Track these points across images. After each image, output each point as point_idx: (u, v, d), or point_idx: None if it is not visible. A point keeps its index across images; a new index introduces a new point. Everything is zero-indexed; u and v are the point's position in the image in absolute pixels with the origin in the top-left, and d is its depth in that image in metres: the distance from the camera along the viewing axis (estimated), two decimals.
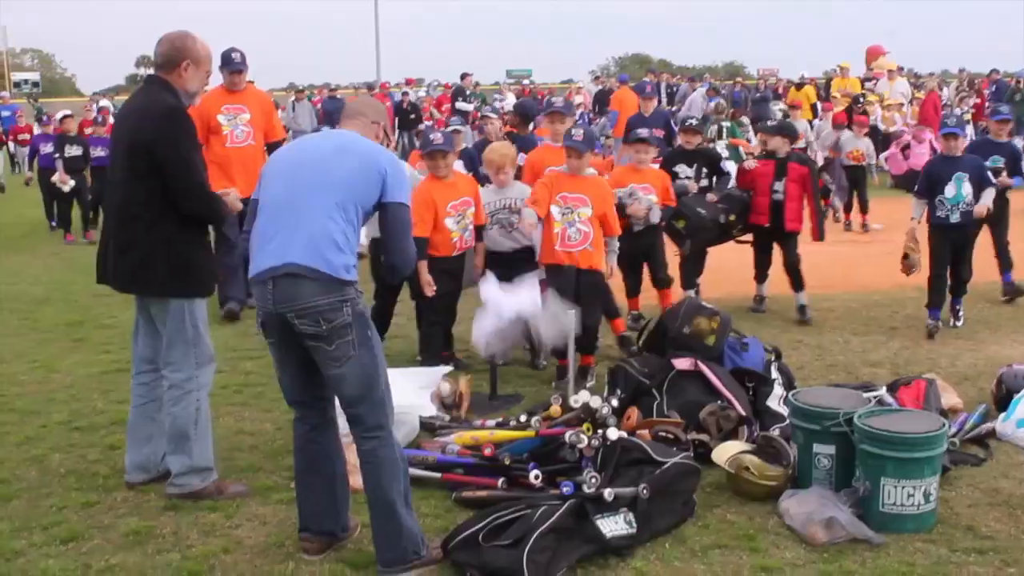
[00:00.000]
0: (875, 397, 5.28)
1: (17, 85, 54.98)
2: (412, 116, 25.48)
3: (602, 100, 25.82)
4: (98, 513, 4.97)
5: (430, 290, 6.93)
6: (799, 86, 22.74)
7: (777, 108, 23.11)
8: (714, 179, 9.10)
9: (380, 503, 4.23)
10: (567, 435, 4.92)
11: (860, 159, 13.99)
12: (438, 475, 5.19)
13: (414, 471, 5.21)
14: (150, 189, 4.84)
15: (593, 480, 4.49)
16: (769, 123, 9.14)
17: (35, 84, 56.78)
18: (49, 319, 9.48)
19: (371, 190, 4.21)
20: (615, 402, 5.35)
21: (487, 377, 6.85)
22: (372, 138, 4.46)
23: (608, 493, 4.44)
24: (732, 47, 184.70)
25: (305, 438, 4.42)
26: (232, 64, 9.15)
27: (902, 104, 20.61)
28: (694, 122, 9.65)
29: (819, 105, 22.18)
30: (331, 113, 22.52)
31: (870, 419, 4.81)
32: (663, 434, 5.38)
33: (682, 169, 8.88)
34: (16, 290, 11.13)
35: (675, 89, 27.73)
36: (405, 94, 28.26)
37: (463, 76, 25.91)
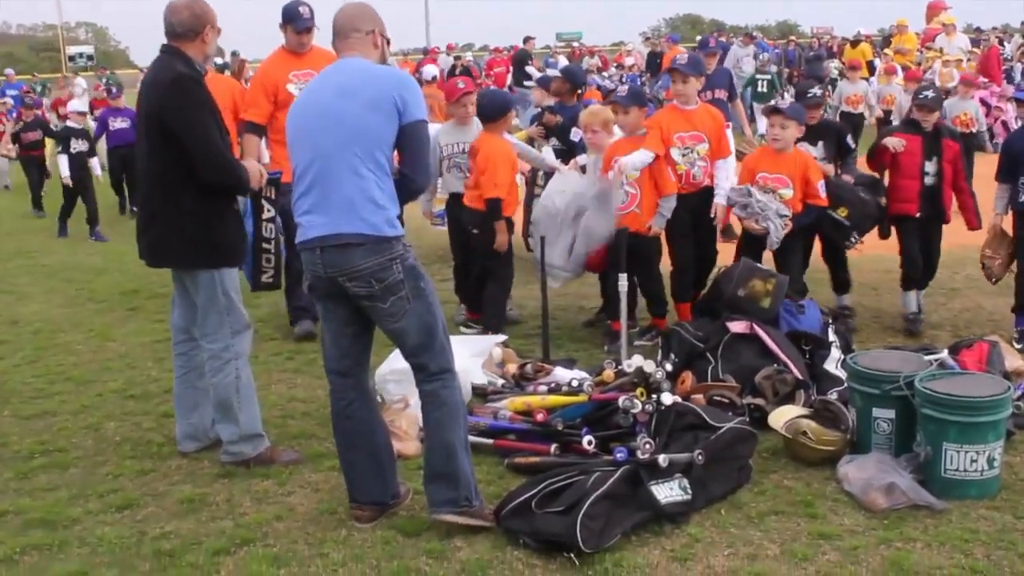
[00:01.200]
0: (936, 360, 5.13)
1: (72, 59, 55.65)
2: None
3: (653, 62, 25.52)
4: (153, 481, 5.01)
5: (504, 248, 7.12)
6: (854, 43, 22.21)
7: (832, 66, 22.72)
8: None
9: (439, 445, 4.22)
10: (621, 400, 4.85)
11: (970, 124, 12.04)
12: (490, 441, 5.15)
13: None
14: (167, 160, 4.79)
15: (648, 446, 4.42)
16: (929, 94, 7.27)
17: (90, 57, 57.41)
18: (105, 289, 9.58)
19: (390, 125, 4.07)
20: (669, 366, 5.26)
21: (539, 342, 6.80)
22: (373, 51, 4.26)
23: (663, 459, 4.36)
24: (785, 5, 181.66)
25: (342, 415, 4.39)
26: (300, 20, 7.24)
27: (961, 60, 20.10)
28: (817, 92, 7.67)
29: (877, 63, 21.73)
30: None
31: (932, 382, 4.68)
32: (718, 398, 5.30)
33: (804, 148, 7.24)
34: (73, 260, 11.28)
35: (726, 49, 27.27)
36: (458, 58, 28.13)
37: (526, 40, 25.29)
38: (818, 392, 5.49)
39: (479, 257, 7.25)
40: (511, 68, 24.28)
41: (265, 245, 6.44)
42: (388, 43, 4.37)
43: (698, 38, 20.96)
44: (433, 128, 6.37)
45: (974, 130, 12.07)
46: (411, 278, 4.12)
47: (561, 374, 5.92)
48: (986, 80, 17.07)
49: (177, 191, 4.80)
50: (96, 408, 6.09)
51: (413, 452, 5.12)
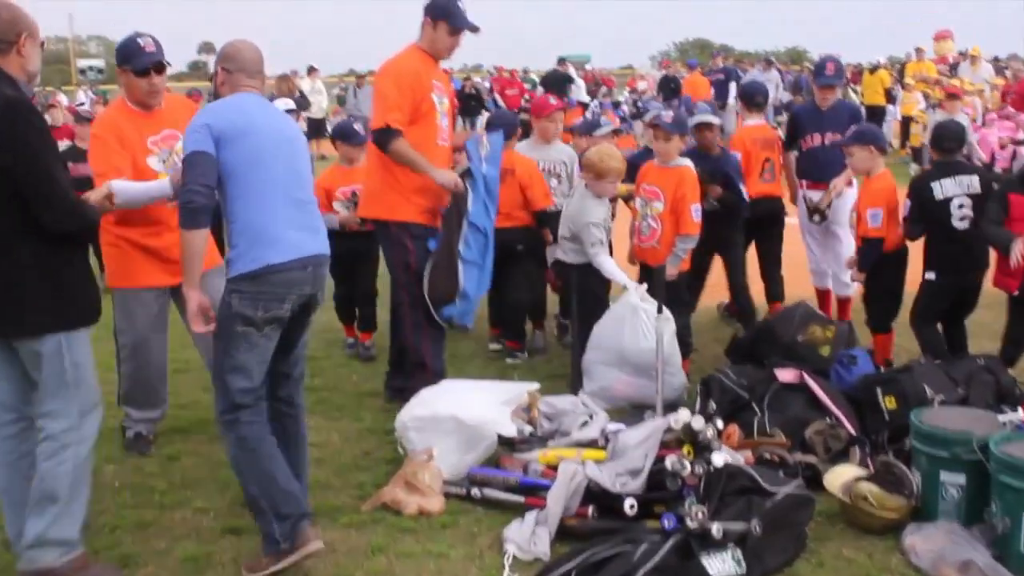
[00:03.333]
0: (1010, 421, 4.70)
1: (83, 72, 55.74)
2: (474, 103, 24.89)
3: (667, 86, 25.18)
4: (153, 537, 4.58)
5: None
6: (872, 70, 21.83)
7: (852, 91, 22.37)
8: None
9: (304, 454, 4.57)
10: (668, 461, 4.41)
11: None
12: (521, 499, 4.72)
13: (495, 493, 4.79)
14: (2, 204, 3.88)
15: (700, 514, 4.00)
16: None
17: (99, 71, 57.61)
18: None
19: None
20: (720, 424, 4.82)
21: (563, 385, 6.39)
22: None
23: (716, 529, 3.95)
24: (793, 31, 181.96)
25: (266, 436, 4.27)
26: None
27: (982, 89, 19.72)
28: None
29: (896, 91, 21.41)
30: None
31: (1008, 446, 4.27)
32: (768, 456, 4.88)
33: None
34: None
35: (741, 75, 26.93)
36: (467, 79, 27.83)
37: (560, 61, 24.80)
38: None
39: (515, 271, 7.05)
40: (547, 91, 23.81)
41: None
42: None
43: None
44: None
45: None
46: None
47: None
48: (1014, 111, 16.57)
49: (23, 241, 3.90)
50: None
51: (437, 508, 4.72)
